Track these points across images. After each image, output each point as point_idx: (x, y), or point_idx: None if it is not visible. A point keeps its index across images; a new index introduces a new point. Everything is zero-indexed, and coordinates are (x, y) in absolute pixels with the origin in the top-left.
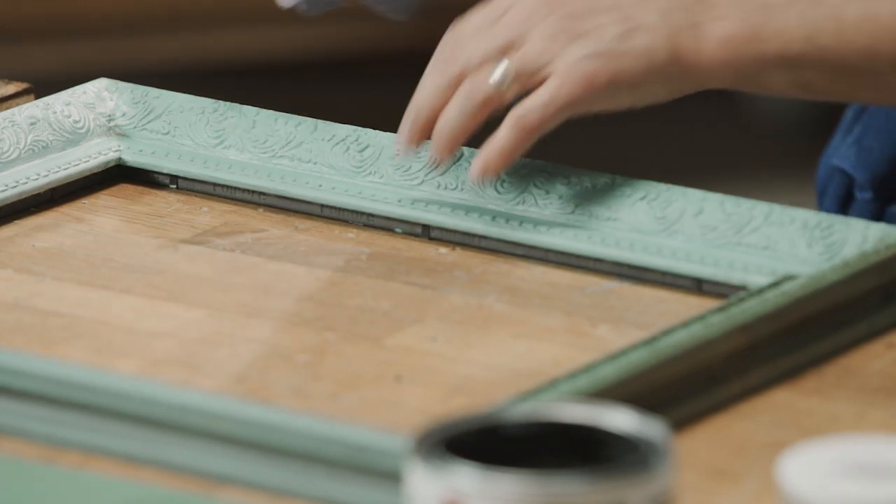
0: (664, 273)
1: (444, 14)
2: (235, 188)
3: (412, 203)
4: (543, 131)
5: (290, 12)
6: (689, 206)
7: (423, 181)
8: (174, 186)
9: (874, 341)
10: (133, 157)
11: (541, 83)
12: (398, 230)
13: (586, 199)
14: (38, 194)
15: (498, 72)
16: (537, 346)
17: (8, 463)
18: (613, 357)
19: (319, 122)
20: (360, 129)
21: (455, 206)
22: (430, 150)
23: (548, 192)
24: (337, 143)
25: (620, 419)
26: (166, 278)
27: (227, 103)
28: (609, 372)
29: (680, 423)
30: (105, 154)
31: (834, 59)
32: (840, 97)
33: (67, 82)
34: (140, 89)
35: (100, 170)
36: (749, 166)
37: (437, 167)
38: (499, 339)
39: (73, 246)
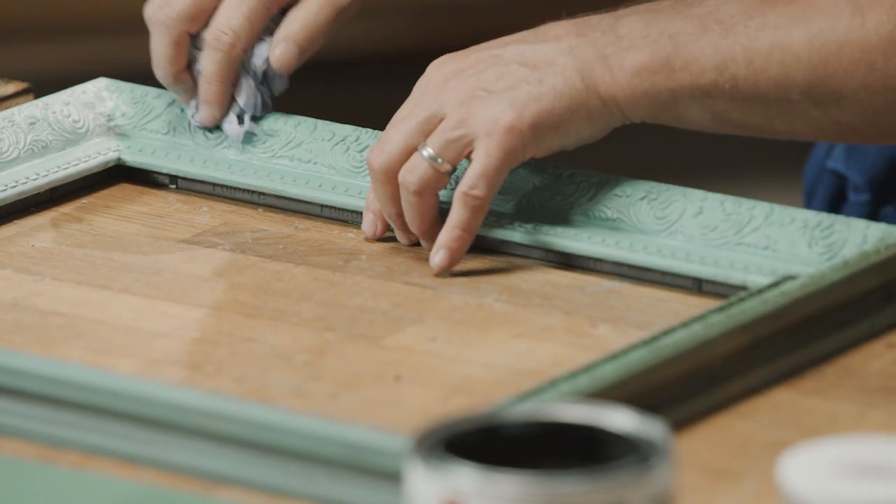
0: (664, 273)
1: (444, 14)
2: (235, 188)
3: None
4: (492, 198)
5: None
6: (689, 206)
7: None
8: (174, 186)
9: (874, 341)
10: (133, 157)
11: (469, 146)
12: None
13: (586, 198)
14: (38, 194)
15: (425, 157)
16: (537, 346)
17: (8, 463)
18: (613, 357)
19: (319, 122)
20: (360, 129)
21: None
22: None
23: (548, 192)
24: (337, 143)
25: (620, 419)
26: (166, 278)
27: None
28: (609, 372)
29: (680, 423)
30: (105, 154)
31: (746, 88)
32: (755, 130)
33: (67, 82)
34: (140, 89)
35: (99, 170)
36: (742, 167)
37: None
38: (499, 339)
39: (72, 246)
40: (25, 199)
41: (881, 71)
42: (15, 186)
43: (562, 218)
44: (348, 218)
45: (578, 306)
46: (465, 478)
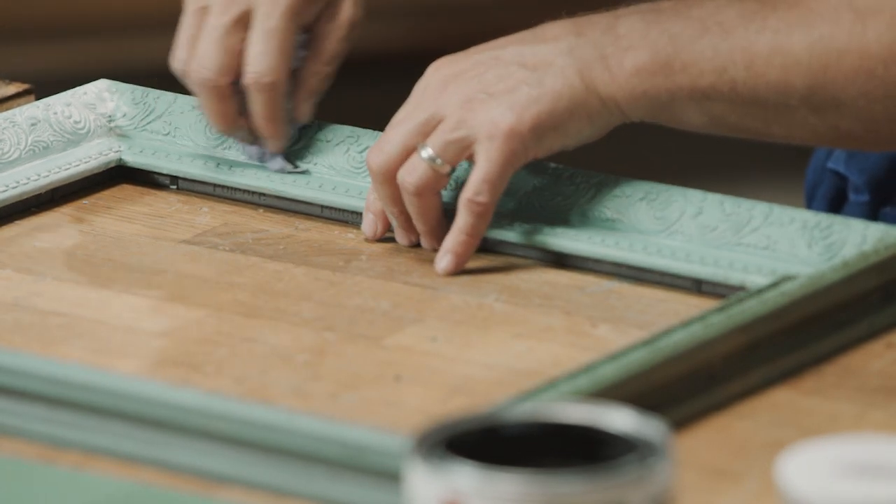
0: (664, 273)
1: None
2: (235, 188)
3: None
4: (497, 201)
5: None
6: (689, 207)
7: None
8: (174, 187)
9: (874, 341)
10: (133, 158)
11: (469, 148)
12: None
13: (586, 199)
14: (39, 194)
15: (424, 157)
16: (537, 346)
17: (8, 463)
18: (613, 357)
19: (319, 122)
20: (359, 129)
21: (454, 207)
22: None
23: (547, 192)
24: (337, 144)
25: (620, 419)
26: (166, 278)
27: None
28: (609, 372)
29: (680, 423)
30: (105, 154)
31: (745, 92)
32: (753, 134)
33: (68, 83)
34: (140, 90)
35: (100, 170)
36: (743, 167)
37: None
38: (499, 339)
39: (73, 246)
40: (26, 199)
41: (881, 79)
42: (16, 187)
43: (562, 218)
44: (348, 218)
45: (578, 306)
46: (466, 478)
